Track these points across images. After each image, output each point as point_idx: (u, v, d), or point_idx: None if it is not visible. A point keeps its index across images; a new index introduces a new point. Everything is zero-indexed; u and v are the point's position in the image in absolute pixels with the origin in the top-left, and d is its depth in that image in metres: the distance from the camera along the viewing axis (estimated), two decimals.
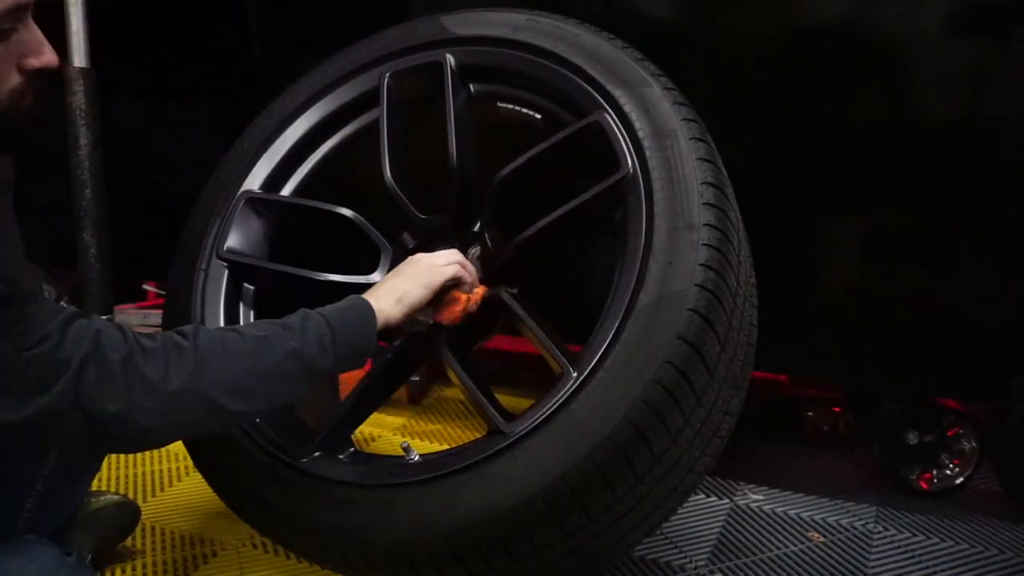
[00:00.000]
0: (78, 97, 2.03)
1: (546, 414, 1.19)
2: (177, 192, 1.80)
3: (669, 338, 1.17)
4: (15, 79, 1.08)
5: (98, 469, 1.46)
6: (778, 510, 1.83)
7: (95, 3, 2.06)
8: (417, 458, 1.31)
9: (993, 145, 1.67)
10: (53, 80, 2.08)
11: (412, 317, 1.31)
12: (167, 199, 1.52)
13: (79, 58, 2.02)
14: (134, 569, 1.56)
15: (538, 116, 1.50)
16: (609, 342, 1.20)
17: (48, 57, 1.10)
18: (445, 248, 1.52)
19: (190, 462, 1.51)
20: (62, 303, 1.07)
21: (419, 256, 1.36)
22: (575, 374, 1.21)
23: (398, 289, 1.29)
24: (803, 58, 1.73)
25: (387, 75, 1.56)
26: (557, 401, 1.19)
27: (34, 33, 1.09)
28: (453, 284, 1.36)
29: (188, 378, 1.06)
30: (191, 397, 1.07)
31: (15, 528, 1.27)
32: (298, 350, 1.15)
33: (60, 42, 2.04)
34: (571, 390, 1.20)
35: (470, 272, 1.38)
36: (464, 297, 1.36)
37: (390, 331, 1.29)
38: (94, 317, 1.07)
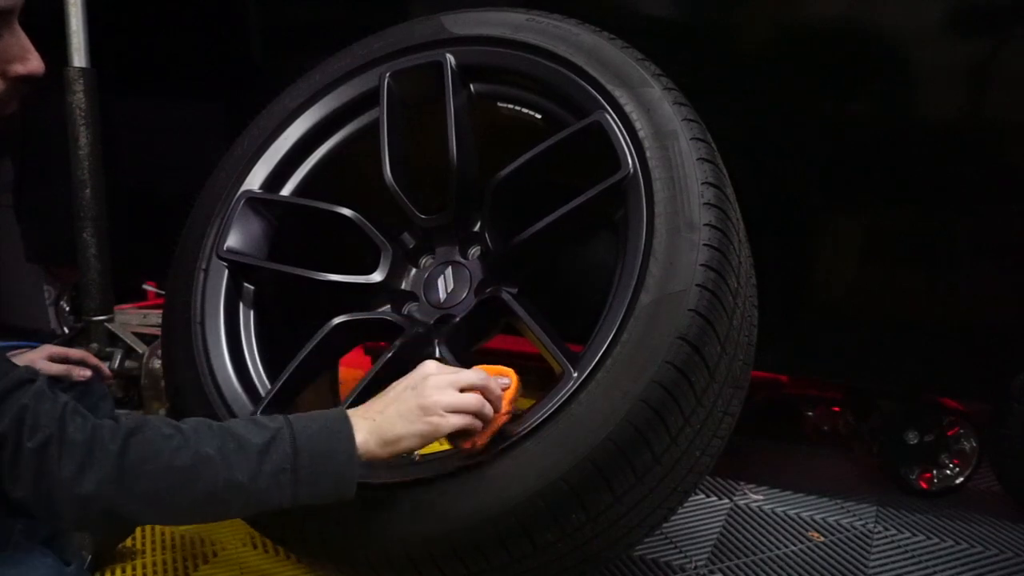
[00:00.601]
0: (78, 97, 2.02)
1: (546, 414, 1.19)
2: (177, 192, 1.80)
3: (669, 338, 1.17)
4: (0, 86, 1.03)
5: None
6: (778, 510, 1.83)
7: (95, 3, 2.05)
8: (418, 458, 1.31)
9: (993, 145, 1.67)
10: (53, 80, 2.09)
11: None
12: (167, 199, 1.52)
13: (79, 58, 2.02)
14: (134, 569, 1.56)
15: (538, 116, 1.50)
16: (609, 342, 1.20)
17: (34, 64, 1.07)
18: (445, 247, 1.53)
19: None
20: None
21: (428, 378, 1.13)
22: (575, 374, 1.21)
23: (392, 431, 1.10)
24: (803, 57, 1.73)
25: (387, 75, 1.56)
26: (557, 401, 1.19)
27: (20, 39, 1.05)
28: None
29: (100, 486, 0.96)
30: (100, 504, 0.97)
31: (13, 533, 1.27)
32: (244, 485, 1.01)
33: (60, 42, 2.04)
34: (571, 390, 1.20)
35: (488, 405, 1.15)
36: (469, 444, 1.17)
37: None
38: (37, 383, 0.99)
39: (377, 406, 1.12)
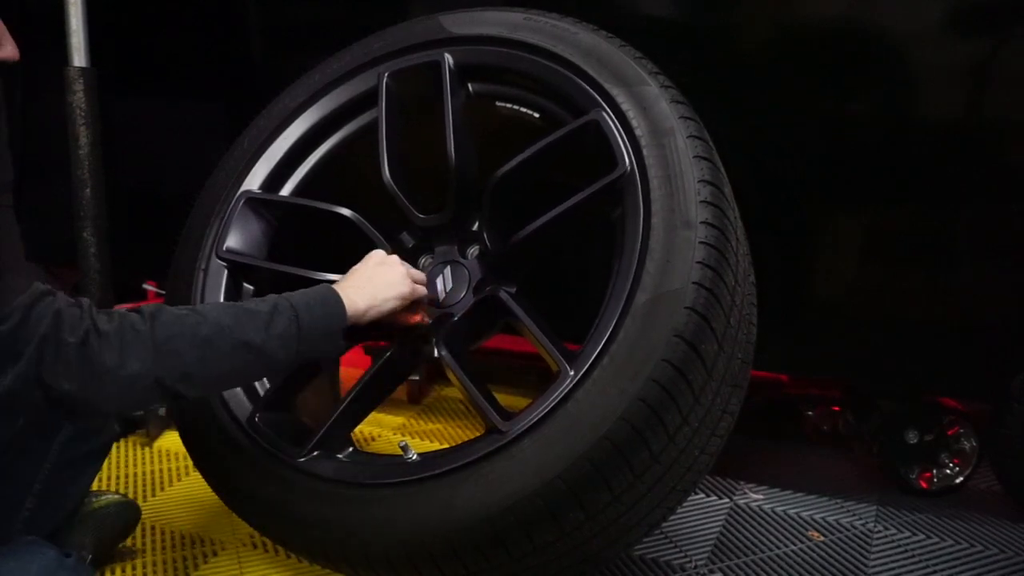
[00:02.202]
0: (78, 97, 2.03)
1: (543, 413, 1.19)
2: (177, 192, 1.81)
3: (666, 336, 1.17)
4: None
5: (99, 469, 1.46)
6: (778, 509, 1.83)
7: (95, 3, 2.06)
8: (416, 457, 1.31)
9: (993, 144, 1.67)
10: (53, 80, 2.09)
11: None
12: (167, 199, 1.52)
13: (79, 58, 2.03)
14: (134, 568, 1.56)
15: (536, 115, 1.50)
16: (606, 340, 1.20)
17: (9, 50, 1.11)
18: (444, 246, 1.53)
19: (190, 462, 1.51)
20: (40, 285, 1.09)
21: (394, 259, 1.37)
22: (572, 372, 1.21)
23: (373, 295, 1.30)
24: (802, 56, 1.73)
25: (386, 75, 1.56)
26: (554, 400, 1.20)
27: None
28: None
29: (142, 364, 1.08)
30: (144, 382, 1.09)
31: (14, 527, 1.27)
32: (258, 344, 1.16)
33: (60, 42, 2.04)
34: (568, 388, 1.20)
35: (422, 277, 1.42)
36: (421, 315, 1.40)
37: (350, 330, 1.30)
38: (59, 295, 1.09)
39: (358, 278, 1.32)
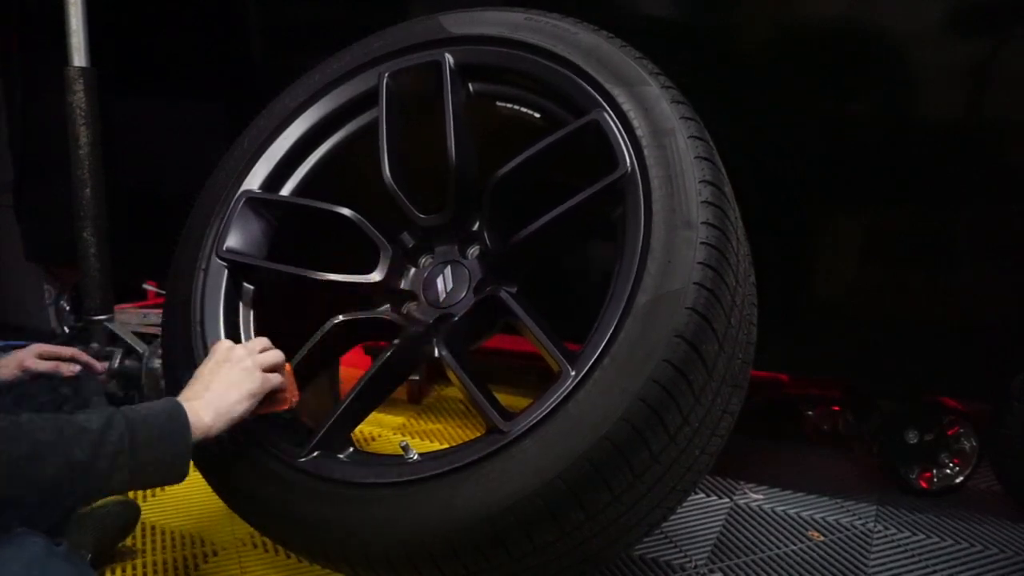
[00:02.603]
0: (78, 96, 2.03)
1: (544, 413, 1.19)
2: (177, 192, 1.81)
3: (667, 336, 1.17)
4: None
5: None
6: (778, 509, 1.83)
7: (95, 3, 2.05)
8: (416, 457, 1.31)
9: (993, 144, 1.67)
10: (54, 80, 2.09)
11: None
12: (167, 199, 1.52)
13: (79, 58, 2.03)
14: (134, 568, 1.56)
15: (537, 115, 1.50)
16: (607, 341, 1.20)
17: None
18: (445, 246, 1.53)
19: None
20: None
21: (237, 352, 1.26)
22: (573, 373, 1.21)
23: (223, 400, 1.20)
24: (802, 56, 1.73)
25: (386, 75, 1.56)
26: (555, 400, 1.19)
27: None
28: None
29: None
30: None
31: (11, 526, 1.27)
32: (85, 464, 1.04)
33: (60, 42, 2.04)
34: (569, 389, 1.20)
35: (272, 359, 1.29)
36: (286, 396, 1.30)
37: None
38: None
39: (198, 386, 1.20)
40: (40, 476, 1.02)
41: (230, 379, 1.22)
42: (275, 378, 1.27)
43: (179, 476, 1.13)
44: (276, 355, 1.29)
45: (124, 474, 1.07)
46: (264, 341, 1.31)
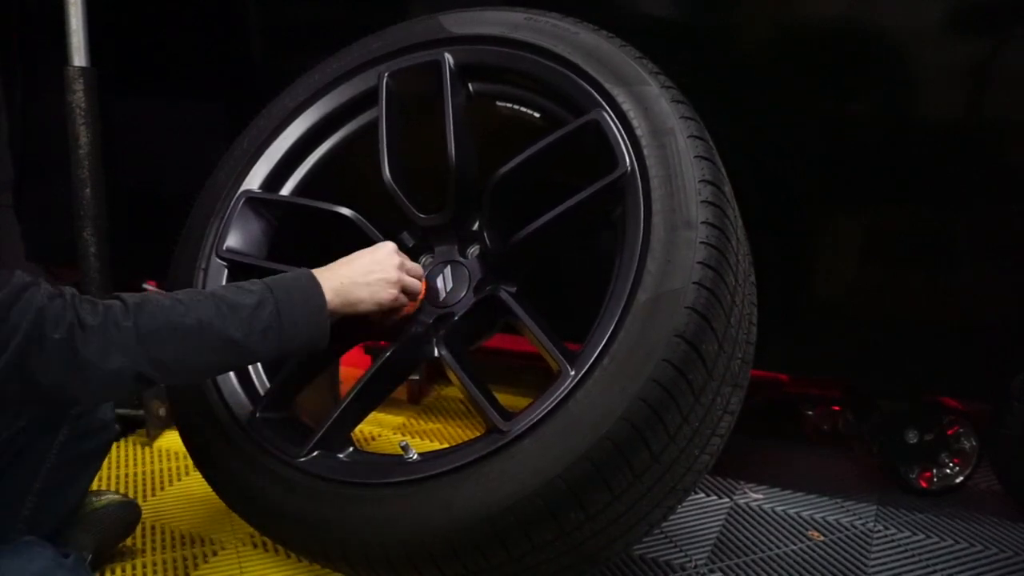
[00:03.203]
0: (78, 96, 2.03)
1: (544, 412, 1.19)
2: (177, 192, 1.80)
3: (667, 336, 1.17)
4: None
5: (98, 468, 1.46)
6: (778, 509, 1.83)
7: (95, 3, 2.05)
8: (416, 457, 1.31)
9: (993, 144, 1.67)
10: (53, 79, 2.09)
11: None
12: (167, 199, 1.52)
13: (79, 57, 2.03)
14: (134, 568, 1.56)
15: (537, 115, 1.50)
16: (607, 340, 1.20)
17: None
18: (444, 246, 1.53)
19: (190, 461, 1.51)
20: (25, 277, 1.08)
21: (392, 255, 1.35)
22: (572, 372, 1.21)
23: (353, 293, 1.28)
24: (802, 56, 1.73)
25: (386, 74, 1.56)
26: (555, 399, 1.20)
27: None
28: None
29: (124, 359, 1.08)
30: (126, 376, 1.10)
31: (14, 527, 1.27)
32: (240, 341, 1.16)
33: (60, 41, 2.04)
34: (569, 388, 1.20)
35: (415, 285, 1.39)
36: (404, 312, 1.40)
37: None
38: (41, 286, 1.08)
39: (344, 271, 1.30)
40: (203, 349, 1.14)
41: (370, 279, 1.30)
42: (401, 301, 1.35)
43: (320, 345, 1.25)
44: (415, 284, 1.38)
45: (272, 347, 1.19)
46: (415, 267, 1.40)
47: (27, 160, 2.51)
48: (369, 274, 1.31)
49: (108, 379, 1.08)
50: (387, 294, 1.32)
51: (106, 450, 1.45)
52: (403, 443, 1.34)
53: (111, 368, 1.07)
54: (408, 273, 1.36)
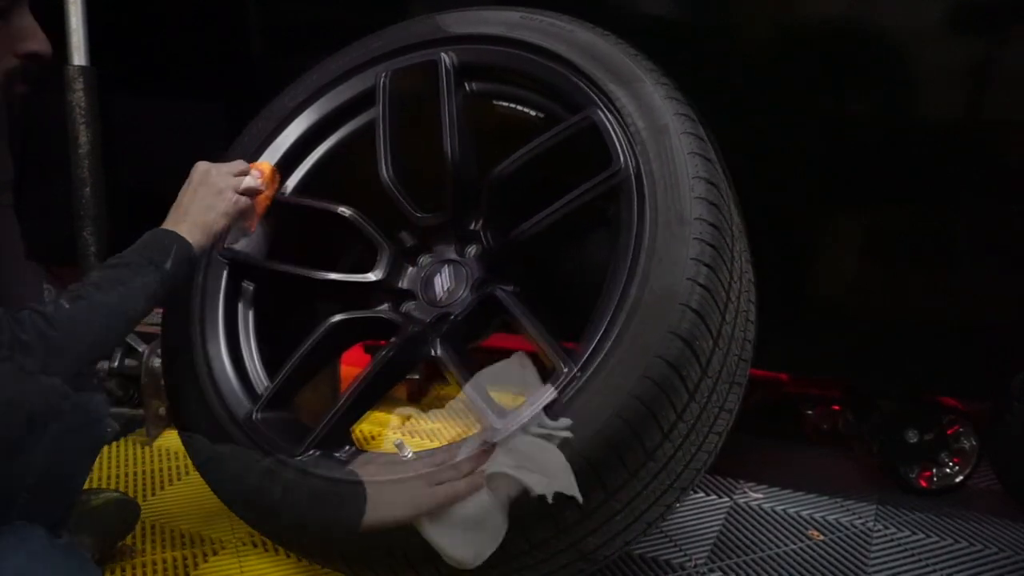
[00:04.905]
0: (77, 95, 2.03)
1: (538, 410, 1.19)
2: (177, 192, 1.80)
3: (660, 333, 1.17)
4: (11, 61, 1.17)
5: (92, 463, 1.45)
6: (778, 508, 1.83)
7: (95, 3, 2.05)
8: (411, 455, 1.31)
9: (993, 144, 1.67)
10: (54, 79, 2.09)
11: None
12: (167, 199, 1.52)
13: (78, 56, 2.02)
14: (134, 568, 1.56)
15: (534, 113, 1.50)
16: (600, 337, 1.20)
17: (43, 44, 1.19)
18: (443, 245, 1.53)
19: (189, 461, 1.51)
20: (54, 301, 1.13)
21: (209, 171, 1.39)
22: (566, 370, 1.21)
23: (203, 220, 1.34)
24: (802, 56, 1.73)
25: (384, 74, 1.56)
26: (549, 397, 1.19)
27: (29, 20, 1.18)
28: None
29: (65, 360, 1.15)
30: (77, 366, 1.18)
31: (10, 521, 1.27)
32: (141, 312, 1.25)
33: (60, 41, 2.04)
34: (563, 386, 1.20)
35: (255, 177, 1.45)
36: (257, 206, 1.46)
37: None
38: None
39: (180, 212, 1.35)
40: (114, 331, 1.23)
41: (206, 203, 1.36)
42: (243, 202, 1.41)
43: (193, 256, 1.32)
44: (249, 180, 1.43)
45: (151, 306, 1.26)
46: (241, 164, 1.45)
47: (27, 160, 2.51)
48: (202, 200, 1.36)
49: (65, 375, 1.16)
50: (227, 203, 1.38)
51: (99, 445, 1.44)
52: (398, 441, 1.34)
53: (59, 371, 1.15)
54: (232, 173, 1.41)
